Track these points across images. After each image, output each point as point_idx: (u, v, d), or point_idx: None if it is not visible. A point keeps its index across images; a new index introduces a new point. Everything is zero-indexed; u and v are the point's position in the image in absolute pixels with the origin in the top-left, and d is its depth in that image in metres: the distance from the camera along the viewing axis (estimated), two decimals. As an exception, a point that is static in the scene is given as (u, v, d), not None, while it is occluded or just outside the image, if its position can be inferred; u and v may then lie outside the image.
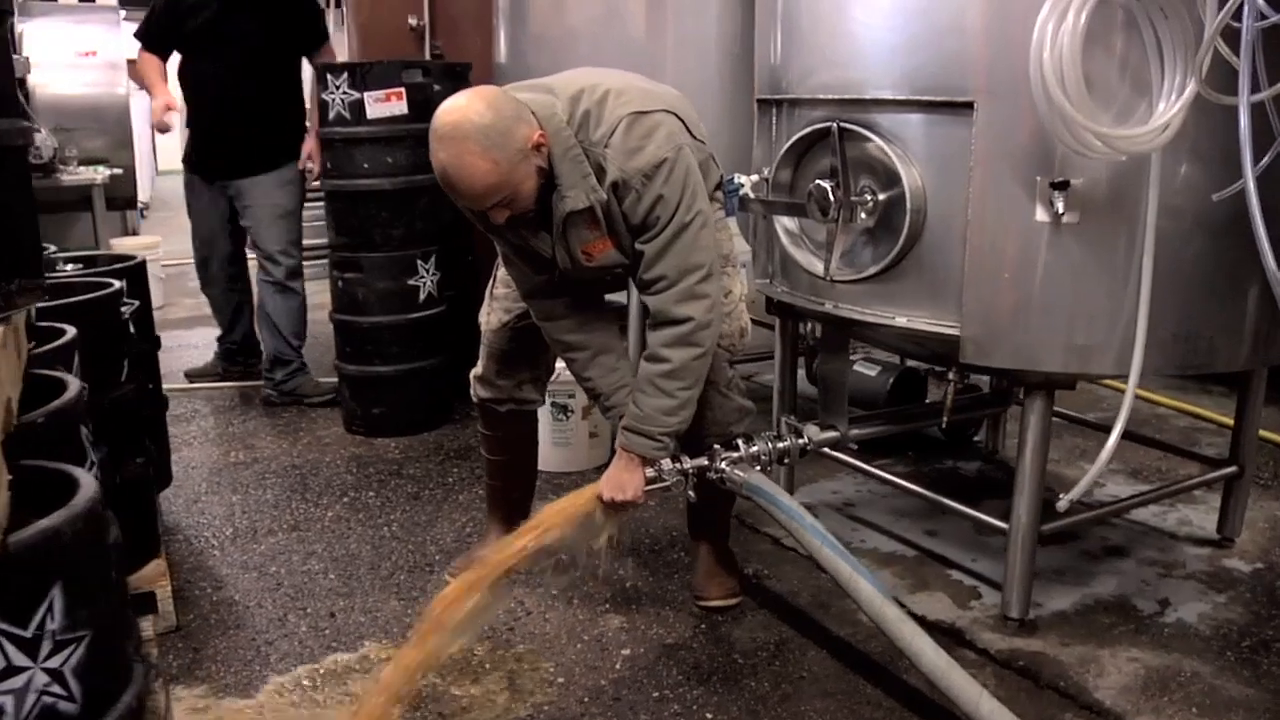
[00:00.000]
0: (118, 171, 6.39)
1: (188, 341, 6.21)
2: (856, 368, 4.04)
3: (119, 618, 1.57)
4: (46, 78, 6.41)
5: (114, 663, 1.53)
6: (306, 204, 4.87)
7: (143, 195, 13.17)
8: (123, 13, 7.91)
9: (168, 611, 2.91)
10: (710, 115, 3.06)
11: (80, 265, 3.37)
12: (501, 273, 2.93)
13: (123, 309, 3.05)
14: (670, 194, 2.41)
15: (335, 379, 4.64)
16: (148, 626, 2.61)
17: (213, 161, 4.68)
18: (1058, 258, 2.47)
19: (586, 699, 2.55)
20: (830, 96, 2.75)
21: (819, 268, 2.86)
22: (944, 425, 3.12)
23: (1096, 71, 2.31)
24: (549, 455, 3.91)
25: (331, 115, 4.11)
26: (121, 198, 6.80)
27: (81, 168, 6.25)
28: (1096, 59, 2.31)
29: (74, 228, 6.87)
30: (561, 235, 2.50)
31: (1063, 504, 2.53)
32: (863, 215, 2.72)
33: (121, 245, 6.64)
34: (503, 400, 2.99)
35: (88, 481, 1.57)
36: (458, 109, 2.30)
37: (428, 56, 4.81)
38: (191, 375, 5.28)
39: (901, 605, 2.45)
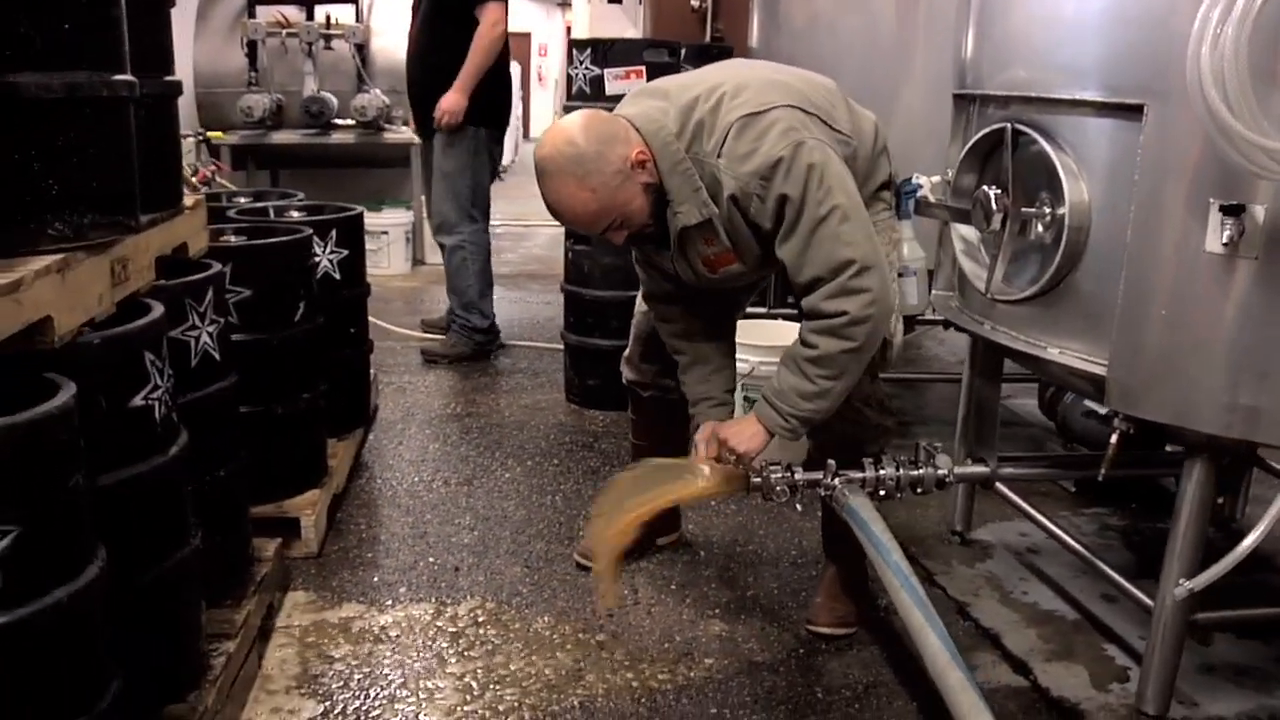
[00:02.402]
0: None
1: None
2: (1089, 402, 3.62)
3: (66, 520, 1.63)
4: (386, 42, 6.92)
5: (50, 559, 1.60)
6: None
7: (505, 159, 14.03)
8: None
9: (310, 539, 3.07)
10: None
11: (305, 213, 3.59)
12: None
13: (314, 256, 3.22)
14: (793, 191, 2.23)
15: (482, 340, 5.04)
16: (270, 547, 2.78)
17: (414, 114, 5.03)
18: (1226, 297, 2.07)
19: (639, 699, 2.44)
20: (1009, 94, 2.46)
21: (982, 283, 2.57)
22: (1102, 478, 2.73)
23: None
24: (737, 451, 3.79)
25: (574, 89, 4.16)
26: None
27: (404, 127, 6.70)
28: (1281, 59, 1.92)
29: (401, 182, 7.43)
30: (680, 250, 2.42)
31: (1181, 591, 2.14)
32: (1032, 229, 2.41)
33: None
34: (646, 385, 2.92)
35: (59, 397, 1.64)
36: (548, 143, 2.30)
37: (708, 39, 4.78)
38: (427, 324, 5.52)
39: (970, 670, 2.15)
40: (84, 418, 1.71)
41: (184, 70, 7.61)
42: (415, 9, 5.02)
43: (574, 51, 4.16)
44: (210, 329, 2.45)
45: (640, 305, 2.86)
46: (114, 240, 1.98)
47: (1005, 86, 2.46)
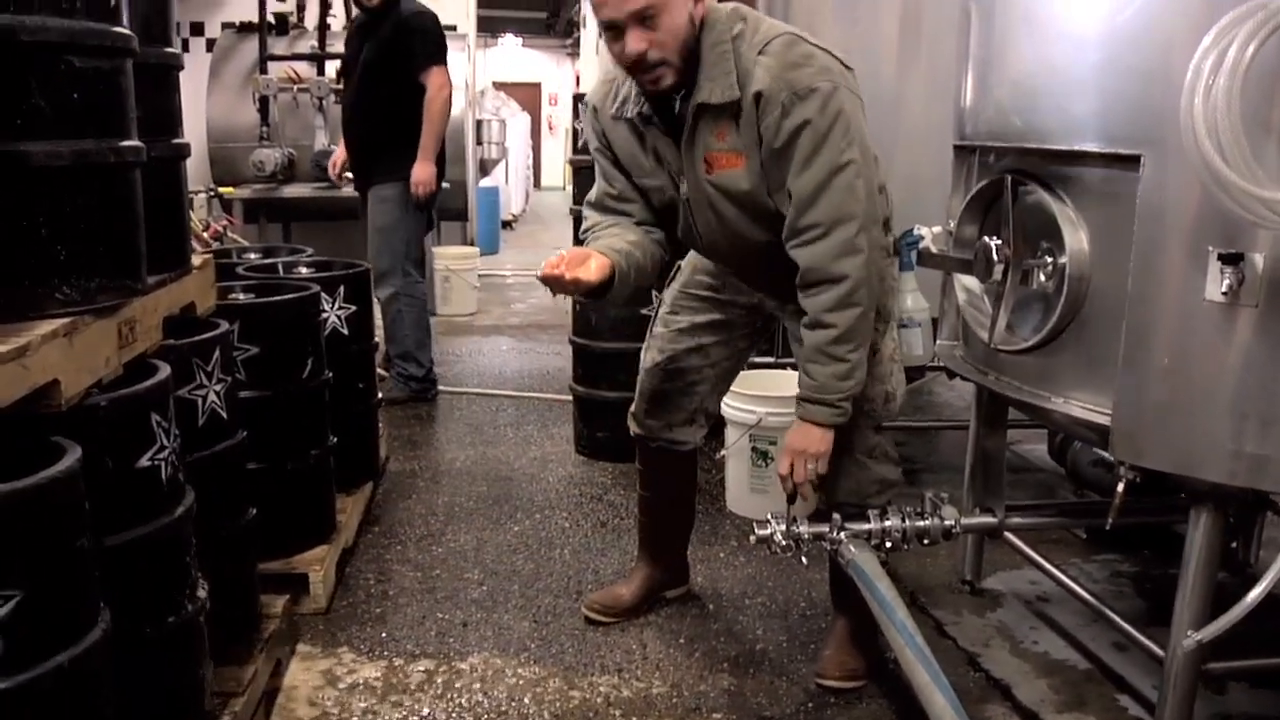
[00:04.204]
0: (445, 187, 6.83)
1: (479, 349, 6.53)
2: (1100, 451, 3.61)
3: (69, 584, 1.64)
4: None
5: (52, 623, 1.60)
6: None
7: (514, 209, 14.18)
8: (469, 39, 8.47)
9: (318, 594, 3.07)
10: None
11: (313, 269, 3.62)
12: (662, 310, 2.87)
13: (322, 313, 3.25)
14: (820, 123, 2.24)
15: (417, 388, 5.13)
16: (278, 603, 2.78)
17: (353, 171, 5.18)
18: (1228, 345, 2.07)
19: (649, 756, 2.43)
20: (1008, 145, 2.48)
21: (986, 333, 2.58)
22: (1110, 526, 2.71)
23: (1278, 119, 1.93)
24: (746, 501, 3.80)
25: (579, 143, 4.19)
26: (453, 209, 7.29)
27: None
28: (1277, 104, 1.93)
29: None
30: (690, 135, 2.38)
31: (1190, 642, 2.13)
32: (1034, 278, 2.42)
33: (442, 254, 7.13)
34: (654, 438, 2.92)
35: (65, 461, 1.65)
36: None
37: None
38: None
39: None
40: (90, 479, 1.73)
41: (196, 125, 7.73)
42: (344, 71, 5.22)
43: (579, 105, 4.20)
44: (217, 388, 2.47)
45: (645, 361, 2.86)
46: (121, 303, 2.00)
47: (1004, 138, 2.48)
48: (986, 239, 2.47)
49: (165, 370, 2.10)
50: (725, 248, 2.55)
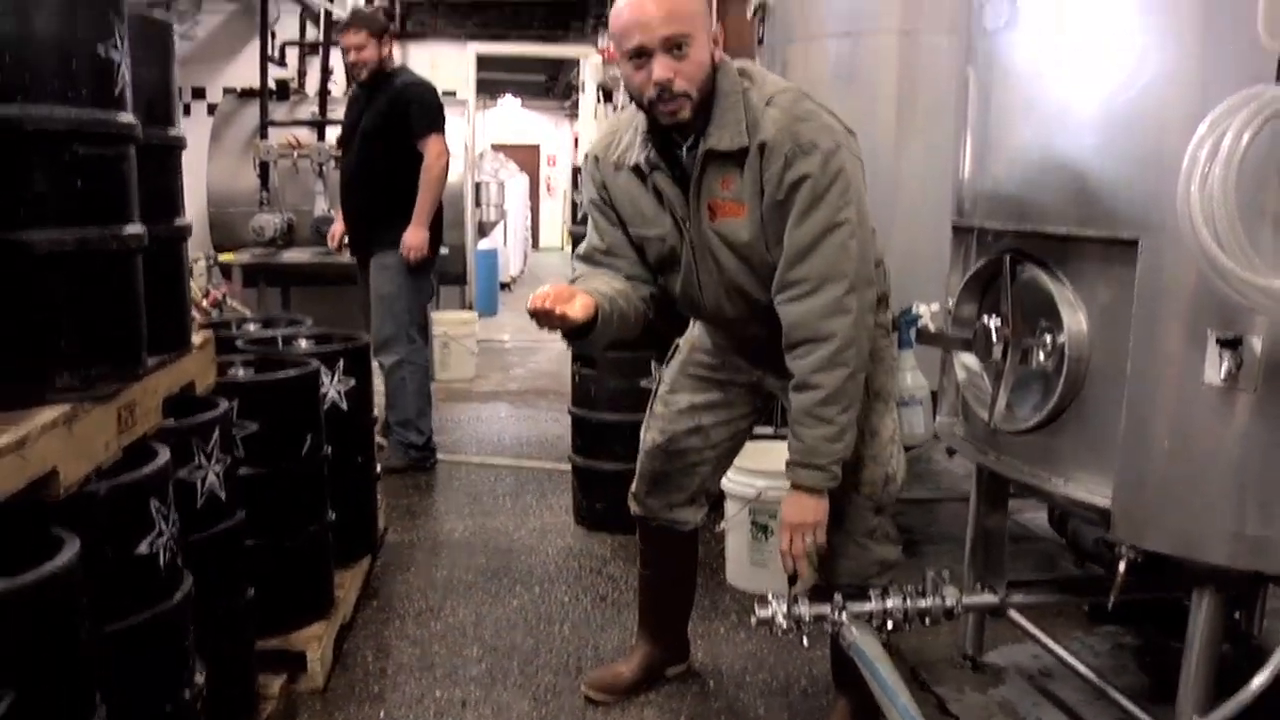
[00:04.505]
0: (444, 252, 6.87)
1: (478, 415, 6.52)
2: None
3: (65, 680, 1.62)
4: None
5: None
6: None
7: (513, 270, 14.24)
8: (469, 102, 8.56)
9: (316, 673, 3.04)
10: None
11: (312, 342, 3.63)
12: (662, 389, 2.87)
13: (321, 388, 3.25)
14: (820, 180, 2.27)
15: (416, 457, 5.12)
16: (275, 684, 2.75)
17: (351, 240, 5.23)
18: (1228, 429, 2.08)
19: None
20: (1006, 227, 2.49)
21: (986, 412, 2.58)
22: (1111, 606, 2.70)
23: (1273, 206, 1.95)
24: (746, 575, 3.78)
25: (579, 214, 4.21)
26: (452, 273, 7.33)
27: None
28: (1272, 191, 1.95)
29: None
30: (697, 182, 2.39)
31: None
32: (1033, 358, 2.43)
33: (440, 319, 7.14)
34: (654, 518, 2.90)
35: (62, 556, 1.64)
36: None
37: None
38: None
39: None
40: (89, 565, 1.72)
41: (197, 190, 7.77)
42: (343, 140, 5.26)
43: (579, 175, 4.23)
44: (217, 468, 2.46)
45: (645, 442, 2.85)
46: (122, 388, 2.00)
47: (1002, 219, 2.49)
48: (986, 319, 2.48)
49: (164, 455, 2.10)
50: (727, 307, 2.55)
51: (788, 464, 2.42)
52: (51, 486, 1.78)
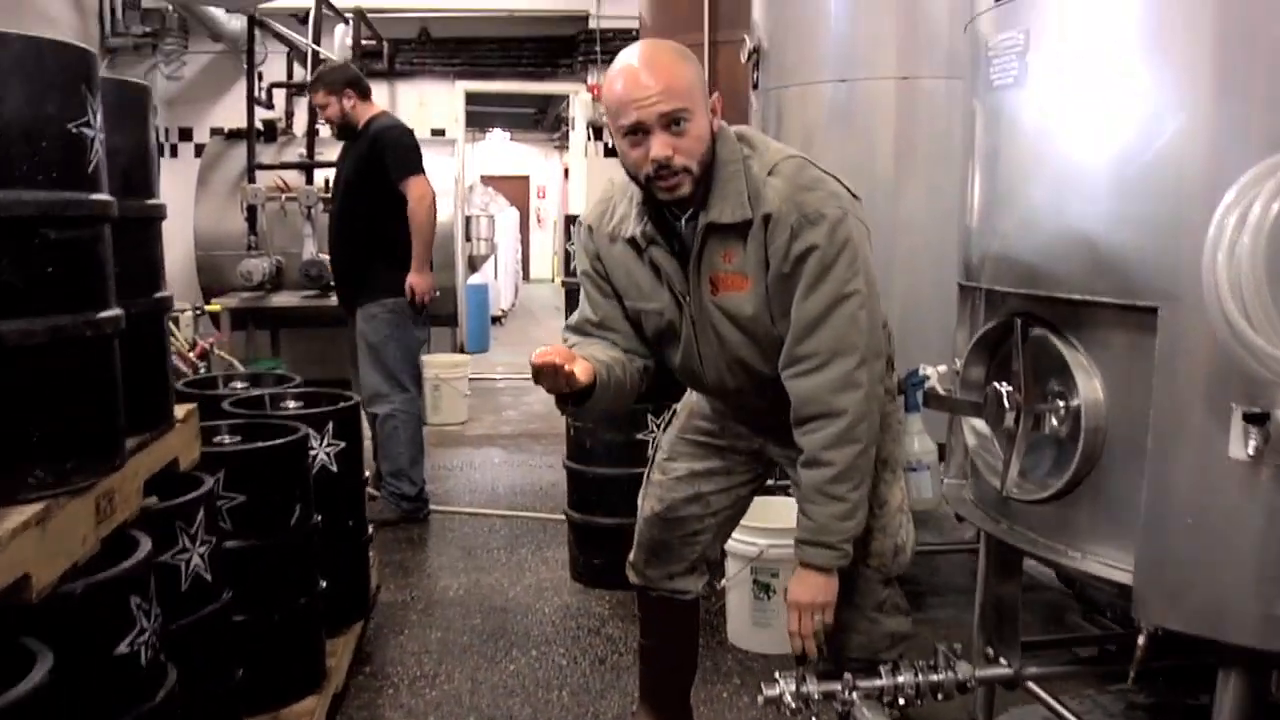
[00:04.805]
0: (435, 294, 6.80)
1: (471, 461, 6.42)
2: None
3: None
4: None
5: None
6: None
7: (504, 304, 14.18)
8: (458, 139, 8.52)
9: (307, 751, 2.93)
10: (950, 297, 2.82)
11: (301, 404, 3.54)
12: (659, 456, 2.78)
13: (310, 453, 3.16)
14: (828, 250, 2.18)
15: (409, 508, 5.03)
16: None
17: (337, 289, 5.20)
18: (1255, 506, 1.98)
19: None
20: (1017, 290, 2.41)
21: (997, 479, 2.49)
22: (1132, 679, 2.61)
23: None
24: (748, 635, 3.69)
25: (572, 266, 4.13)
26: (443, 314, 7.32)
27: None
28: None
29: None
30: (697, 255, 2.30)
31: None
32: (1046, 423, 2.34)
33: (431, 362, 7.07)
34: (654, 588, 2.81)
35: (34, 676, 1.55)
36: (637, 43, 2.27)
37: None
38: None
39: None
40: (65, 672, 1.63)
41: (184, 233, 7.70)
42: (333, 193, 5.22)
43: (571, 227, 4.16)
44: (201, 550, 2.38)
45: (643, 510, 2.76)
46: (99, 479, 1.91)
47: (1012, 281, 2.41)
48: (997, 384, 2.40)
49: (145, 546, 2.01)
50: (729, 380, 2.46)
51: (797, 541, 2.33)
52: (24, 592, 1.69)
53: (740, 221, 2.22)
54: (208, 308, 6.56)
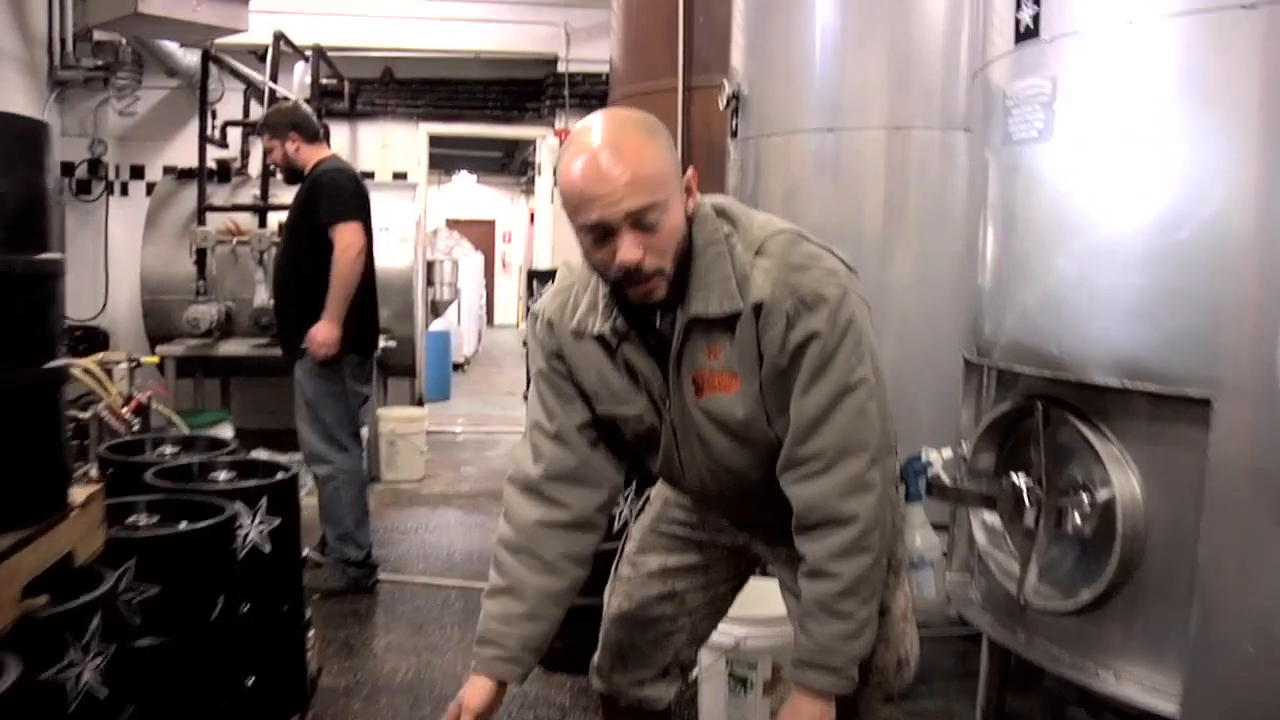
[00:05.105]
0: (391, 345, 6.51)
1: (426, 523, 6.07)
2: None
3: None
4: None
5: None
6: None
7: (466, 351, 13.87)
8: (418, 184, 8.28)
9: None
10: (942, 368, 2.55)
11: (234, 474, 3.21)
12: (629, 548, 2.47)
13: (239, 534, 2.85)
14: (830, 338, 1.86)
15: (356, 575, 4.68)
16: None
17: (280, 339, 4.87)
18: (1328, 632, 1.72)
19: None
20: (1038, 373, 2.13)
21: (1012, 584, 2.20)
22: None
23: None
24: (724, 733, 3.35)
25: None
26: (401, 365, 7.01)
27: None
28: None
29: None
30: (678, 354, 1.97)
31: None
32: (1069, 521, 2.06)
33: (387, 416, 6.75)
34: (620, 696, 2.48)
35: None
36: (607, 111, 1.92)
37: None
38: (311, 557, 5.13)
39: None
40: None
41: (131, 275, 7.36)
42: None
43: (534, 282, 3.88)
44: (96, 661, 2.04)
45: (610, 608, 2.44)
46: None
47: (1033, 362, 2.13)
48: (1016, 479, 2.11)
49: (11, 673, 1.67)
50: (712, 485, 2.16)
51: (793, 662, 2.02)
52: None
53: (728, 314, 1.92)
54: (145, 359, 6.18)
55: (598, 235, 1.86)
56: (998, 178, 2.26)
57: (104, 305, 7.95)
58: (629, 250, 1.82)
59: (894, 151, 3.55)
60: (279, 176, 6.94)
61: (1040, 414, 2.10)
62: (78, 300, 7.75)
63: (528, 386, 2.43)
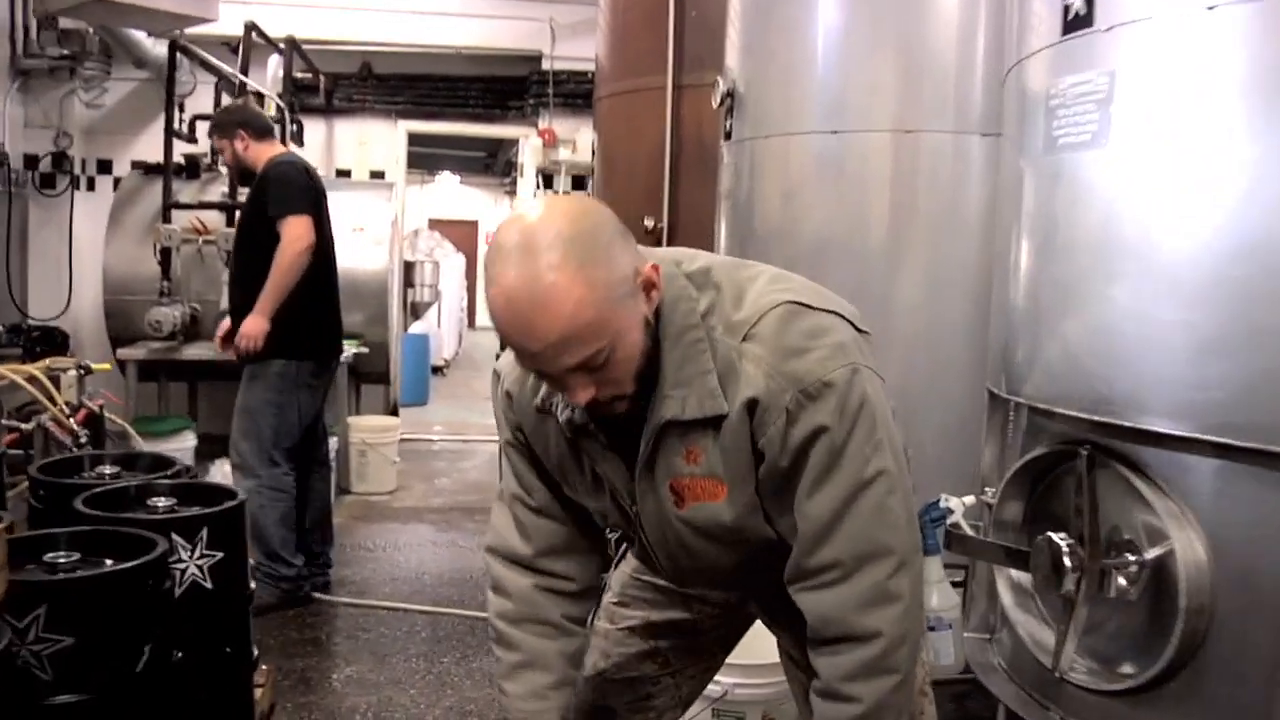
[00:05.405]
0: (363, 351, 6.23)
1: (395, 541, 5.76)
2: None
3: None
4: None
5: None
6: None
7: (446, 354, 13.58)
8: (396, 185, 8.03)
9: None
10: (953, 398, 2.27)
11: (174, 500, 2.90)
12: (607, 598, 2.18)
13: (171, 573, 2.55)
14: (839, 430, 1.55)
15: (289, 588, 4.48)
16: None
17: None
18: None
19: None
20: (1079, 414, 1.85)
21: (1048, 653, 1.92)
22: None
23: None
24: (710, 792, 3.08)
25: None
26: (374, 372, 6.91)
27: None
28: None
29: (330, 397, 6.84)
30: (648, 460, 1.67)
31: None
32: (1112, 589, 1.79)
33: (359, 425, 6.50)
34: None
35: None
36: (530, 214, 1.53)
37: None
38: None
39: None
40: None
41: (93, 274, 7.04)
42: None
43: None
44: (-17, 735, 1.74)
45: (585, 668, 2.14)
46: None
47: (1077, 403, 1.86)
48: (1055, 538, 1.83)
49: None
50: (695, 580, 1.93)
51: None
52: None
53: (711, 416, 1.62)
54: (95, 366, 5.85)
55: (540, 376, 1.63)
56: (1035, 188, 1.99)
57: (67, 305, 7.60)
58: (579, 394, 1.55)
59: (902, 156, 3.28)
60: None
61: (1084, 462, 1.82)
62: (40, 299, 7.45)
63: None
